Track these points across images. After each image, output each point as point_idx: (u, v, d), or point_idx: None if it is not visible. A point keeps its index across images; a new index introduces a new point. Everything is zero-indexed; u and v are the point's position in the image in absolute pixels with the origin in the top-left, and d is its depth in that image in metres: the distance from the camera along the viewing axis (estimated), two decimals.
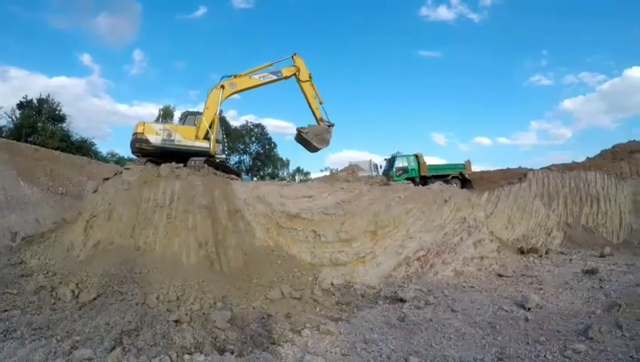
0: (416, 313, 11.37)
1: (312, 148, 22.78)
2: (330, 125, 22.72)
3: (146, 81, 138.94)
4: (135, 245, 13.96)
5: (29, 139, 40.84)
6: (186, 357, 8.61)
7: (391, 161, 32.61)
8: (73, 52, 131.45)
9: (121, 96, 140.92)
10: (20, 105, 46.42)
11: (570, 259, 19.94)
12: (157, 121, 21.10)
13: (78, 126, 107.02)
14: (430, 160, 32.82)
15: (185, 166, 17.51)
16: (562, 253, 22.43)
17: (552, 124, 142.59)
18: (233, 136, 60.30)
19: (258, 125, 65.74)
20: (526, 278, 15.84)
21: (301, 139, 22.77)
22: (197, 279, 12.71)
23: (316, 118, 22.66)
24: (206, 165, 18.07)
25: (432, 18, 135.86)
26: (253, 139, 64.38)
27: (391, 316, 11.23)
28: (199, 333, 9.92)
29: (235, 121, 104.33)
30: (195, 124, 19.84)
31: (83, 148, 46.60)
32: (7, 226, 22.30)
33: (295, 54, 22.08)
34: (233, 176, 19.12)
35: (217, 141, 20.36)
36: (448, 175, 31.01)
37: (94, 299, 11.91)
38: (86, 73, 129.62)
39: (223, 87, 20.38)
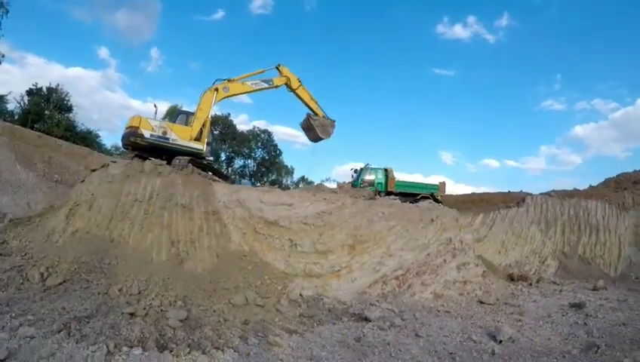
0: (376, 334, 10.98)
1: (314, 136, 23.81)
2: (334, 121, 23.82)
3: (160, 79, 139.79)
4: (110, 236, 14.15)
5: (36, 126, 41.15)
6: (124, 349, 8.66)
7: (359, 173, 31.45)
8: (91, 44, 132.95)
9: (134, 91, 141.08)
10: (30, 92, 46.70)
11: (561, 290, 19.25)
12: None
13: (90, 118, 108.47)
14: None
15: (169, 164, 17.42)
16: (554, 282, 21.79)
17: (561, 149, 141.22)
18: (239, 140, 60.36)
19: (265, 131, 65.70)
20: (508, 307, 15.28)
21: (307, 125, 23.71)
22: (163, 276, 12.75)
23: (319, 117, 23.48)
24: (190, 164, 17.99)
25: (447, 36, 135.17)
26: (260, 144, 64.22)
27: (349, 334, 10.88)
28: (148, 329, 9.97)
29: (245, 125, 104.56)
30: (185, 123, 19.83)
31: (87, 140, 46.73)
32: None
33: (280, 65, 22.58)
34: (216, 178, 19.01)
35: (207, 143, 20.50)
36: (418, 194, 29.42)
37: (60, 283, 12.20)
38: (102, 66, 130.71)
39: (217, 90, 20.56)
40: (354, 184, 29.33)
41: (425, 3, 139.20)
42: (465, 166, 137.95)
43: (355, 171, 31.44)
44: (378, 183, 29.61)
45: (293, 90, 22.78)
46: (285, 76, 22.45)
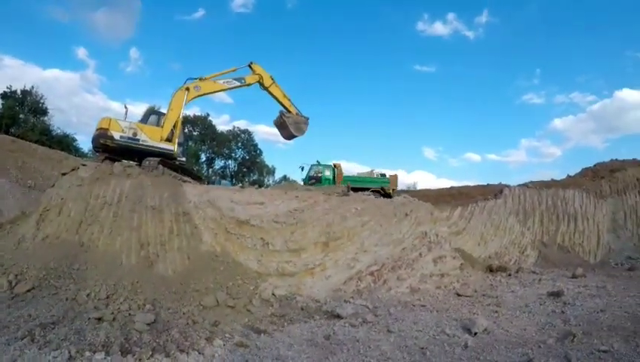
0: (347, 331, 10.83)
1: (287, 133, 23.77)
2: (307, 118, 23.84)
3: (140, 80, 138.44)
4: (79, 241, 13.89)
5: (10, 130, 40.37)
6: (87, 354, 8.55)
7: (309, 170, 31.99)
8: (69, 45, 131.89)
9: (114, 93, 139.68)
10: (4, 95, 45.66)
11: (540, 280, 19.13)
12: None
13: (69, 121, 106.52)
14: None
15: (139, 165, 17.21)
16: (534, 272, 21.72)
17: (541, 142, 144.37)
18: (219, 141, 60.03)
19: (245, 131, 65.76)
20: (486, 298, 15.15)
21: (280, 122, 23.60)
22: (132, 279, 12.54)
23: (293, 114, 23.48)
24: (160, 165, 17.80)
25: (427, 33, 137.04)
26: (240, 144, 63.90)
27: (319, 333, 10.71)
28: (114, 333, 9.81)
29: (226, 125, 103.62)
30: (157, 124, 19.60)
31: (63, 143, 46.00)
32: None
33: (252, 62, 22.49)
34: (186, 178, 18.80)
35: (179, 143, 20.29)
36: (367, 188, 29.06)
37: (28, 290, 12.03)
38: (81, 67, 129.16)
39: (187, 89, 20.36)
40: (304, 181, 30.11)
41: (405, 1, 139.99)
42: (447, 161, 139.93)
43: (302, 169, 31.99)
44: (325, 179, 29.96)
45: (265, 88, 22.68)
46: (258, 74, 22.37)
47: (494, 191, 29.94)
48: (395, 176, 32.25)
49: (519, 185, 30.17)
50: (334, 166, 31.06)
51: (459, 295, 15.62)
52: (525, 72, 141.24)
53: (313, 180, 29.89)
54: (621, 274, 21.26)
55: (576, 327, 11.02)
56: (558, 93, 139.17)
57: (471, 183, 39.70)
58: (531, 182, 31.59)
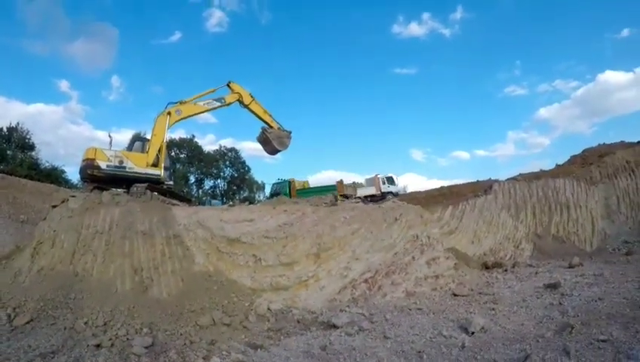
0: (343, 340, 10.87)
1: (272, 148, 23.96)
2: (289, 132, 24.12)
3: (124, 107, 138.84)
4: (74, 271, 13.99)
5: None
6: None
7: (272, 187, 37.41)
8: (51, 78, 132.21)
9: (99, 122, 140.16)
10: None
11: (536, 273, 19.11)
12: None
13: (56, 153, 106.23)
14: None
15: (127, 192, 17.32)
16: (530, 265, 21.76)
17: (528, 133, 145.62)
18: (206, 161, 60.23)
19: (232, 149, 66.31)
20: (483, 296, 15.07)
21: (263, 138, 23.79)
22: (128, 305, 12.61)
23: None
24: (148, 191, 17.91)
25: (404, 35, 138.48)
26: (227, 163, 64.29)
27: (315, 344, 10.75)
28: (113, 358, 9.96)
29: (212, 145, 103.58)
30: (142, 150, 19.77)
31: (52, 176, 46.00)
32: None
33: (231, 82, 22.62)
34: (175, 202, 18.88)
35: (165, 168, 20.42)
36: None
37: (27, 322, 12.20)
38: (64, 100, 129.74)
39: (169, 113, 20.49)
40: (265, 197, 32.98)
41: (378, 5, 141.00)
42: (436, 161, 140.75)
43: (263, 188, 36.14)
44: (284, 194, 33.26)
45: (246, 106, 22.83)
46: (237, 93, 22.49)
47: (484, 188, 29.95)
48: (341, 182, 35.04)
49: (509, 179, 30.25)
50: (290, 181, 35.70)
51: (455, 295, 15.59)
52: (505, 64, 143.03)
53: (275, 196, 32.42)
54: (618, 259, 21.31)
55: (575, 318, 10.95)
56: (541, 82, 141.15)
57: (461, 181, 39.88)
58: (520, 174, 31.65)
